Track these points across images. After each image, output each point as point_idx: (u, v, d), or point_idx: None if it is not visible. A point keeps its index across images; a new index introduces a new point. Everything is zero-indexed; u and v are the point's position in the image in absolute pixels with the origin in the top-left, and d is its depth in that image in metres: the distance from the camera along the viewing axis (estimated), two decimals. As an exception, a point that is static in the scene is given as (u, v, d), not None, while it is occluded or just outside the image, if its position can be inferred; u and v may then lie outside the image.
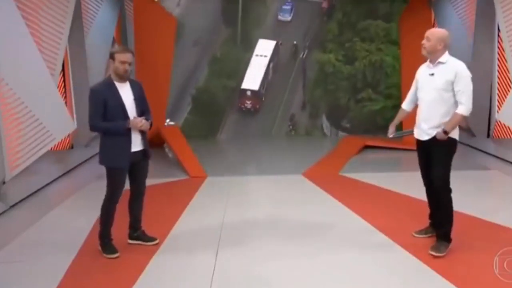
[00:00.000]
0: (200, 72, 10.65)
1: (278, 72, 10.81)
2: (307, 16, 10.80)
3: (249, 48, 10.74)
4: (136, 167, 3.77)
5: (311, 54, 10.78)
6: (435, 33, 3.59)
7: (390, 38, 10.52)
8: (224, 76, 10.68)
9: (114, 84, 3.61)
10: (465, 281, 3.20)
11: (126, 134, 3.62)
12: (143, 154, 3.79)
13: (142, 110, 3.74)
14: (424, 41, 3.59)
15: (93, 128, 3.64)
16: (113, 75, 3.64)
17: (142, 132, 3.73)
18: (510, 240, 3.76)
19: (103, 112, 3.54)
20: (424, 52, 3.61)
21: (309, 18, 10.79)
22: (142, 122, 3.62)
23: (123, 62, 3.56)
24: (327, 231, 4.25)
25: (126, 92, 3.65)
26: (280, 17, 10.85)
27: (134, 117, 3.62)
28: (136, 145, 3.70)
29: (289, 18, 10.82)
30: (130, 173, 3.77)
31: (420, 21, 9.00)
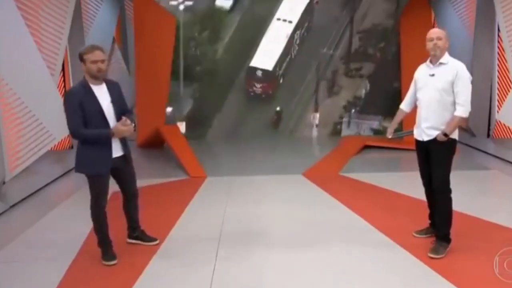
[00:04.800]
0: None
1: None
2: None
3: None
4: (120, 173, 3.63)
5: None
6: (442, 32, 3.60)
7: None
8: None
9: (89, 86, 3.37)
10: (465, 281, 3.20)
11: (106, 141, 3.45)
12: (124, 159, 3.61)
13: (123, 110, 3.54)
14: (435, 41, 3.52)
15: (76, 135, 3.38)
16: (87, 77, 3.39)
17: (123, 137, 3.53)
18: (510, 240, 3.76)
19: (81, 115, 3.29)
20: (437, 52, 3.54)
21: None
22: (127, 128, 3.39)
23: (94, 62, 3.32)
24: (327, 231, 4.25)
25: (102, 95, 3.42)
26: None
27: (119, 123, 3.38)
28: (117, 150, 3.51)
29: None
30: (116, 178, 3.64)
31: (420, 21, 9.02)
